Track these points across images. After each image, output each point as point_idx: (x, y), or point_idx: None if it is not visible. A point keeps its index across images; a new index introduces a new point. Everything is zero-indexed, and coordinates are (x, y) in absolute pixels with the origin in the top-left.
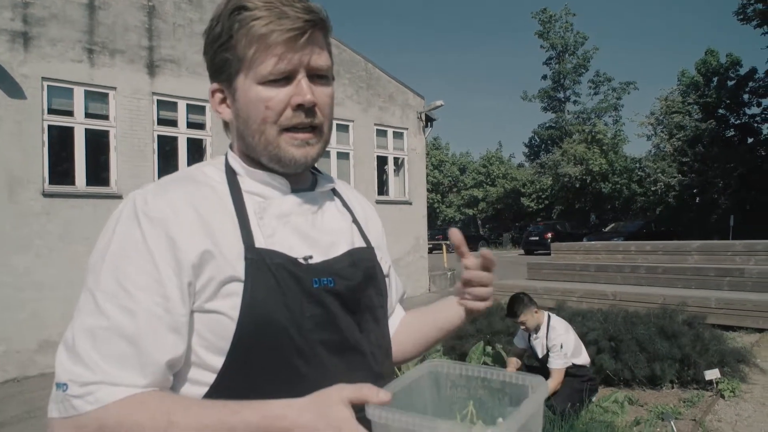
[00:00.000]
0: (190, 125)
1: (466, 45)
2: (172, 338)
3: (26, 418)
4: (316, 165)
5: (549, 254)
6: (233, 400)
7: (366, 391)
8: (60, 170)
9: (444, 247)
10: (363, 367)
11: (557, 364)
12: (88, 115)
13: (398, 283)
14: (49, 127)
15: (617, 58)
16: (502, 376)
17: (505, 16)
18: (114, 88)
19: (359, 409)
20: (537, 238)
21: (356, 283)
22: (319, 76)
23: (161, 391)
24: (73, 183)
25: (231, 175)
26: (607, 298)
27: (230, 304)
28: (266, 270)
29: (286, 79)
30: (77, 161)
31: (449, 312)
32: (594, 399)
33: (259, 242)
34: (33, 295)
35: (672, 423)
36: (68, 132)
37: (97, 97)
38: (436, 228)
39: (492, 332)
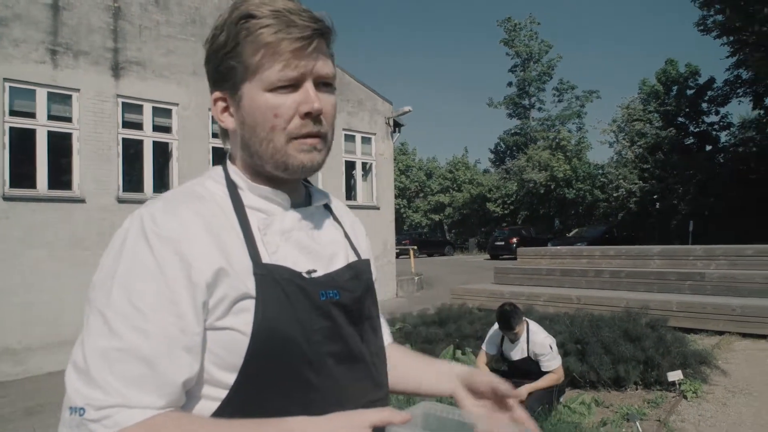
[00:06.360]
0: (156, 128)
1: (433, 51)
2: (188, 358)
3: None
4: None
5: (514, 258)
6: (246, 414)
7: (387, 413)
8: (21, 173)
9: (411, 251)
10: (366, 376)
11: (556, 363)
12: (50, 117)
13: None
14: (11, 129)
15: (581, 66)
16: None
17: (472, 24)
18: (77, 90)
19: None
20: (502, 243)
21: (358, 294)
22: (324, 84)
23: (178, 412)
24: (34, 186)
25: (232, 188)
26: (572, 302)
27: (243, 320)
28: (276, 285)
29: (293, 86)
30: (39, 164)
31: (439, 385)
32: (561, 400)
33: (265, 258)
34: None
35: (637, 423)
36: (30, 134)
37: (60, 99)
38: (403, 233)
39: (461, 336)
